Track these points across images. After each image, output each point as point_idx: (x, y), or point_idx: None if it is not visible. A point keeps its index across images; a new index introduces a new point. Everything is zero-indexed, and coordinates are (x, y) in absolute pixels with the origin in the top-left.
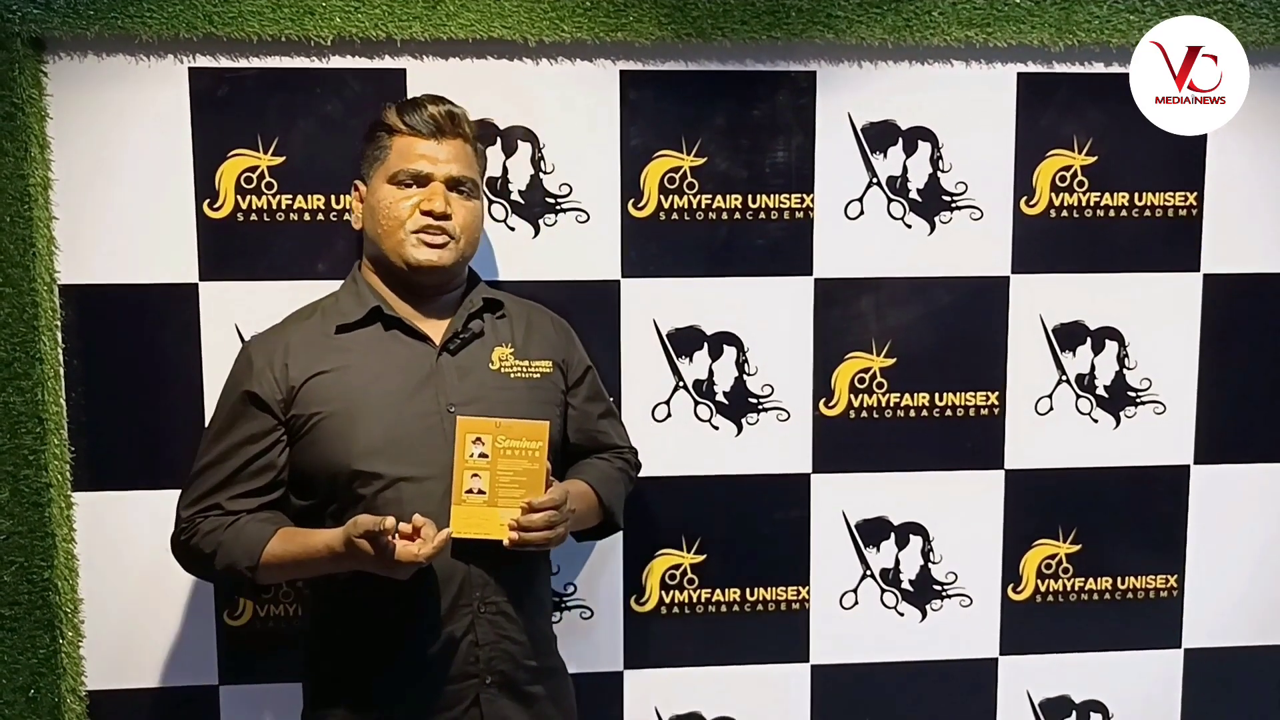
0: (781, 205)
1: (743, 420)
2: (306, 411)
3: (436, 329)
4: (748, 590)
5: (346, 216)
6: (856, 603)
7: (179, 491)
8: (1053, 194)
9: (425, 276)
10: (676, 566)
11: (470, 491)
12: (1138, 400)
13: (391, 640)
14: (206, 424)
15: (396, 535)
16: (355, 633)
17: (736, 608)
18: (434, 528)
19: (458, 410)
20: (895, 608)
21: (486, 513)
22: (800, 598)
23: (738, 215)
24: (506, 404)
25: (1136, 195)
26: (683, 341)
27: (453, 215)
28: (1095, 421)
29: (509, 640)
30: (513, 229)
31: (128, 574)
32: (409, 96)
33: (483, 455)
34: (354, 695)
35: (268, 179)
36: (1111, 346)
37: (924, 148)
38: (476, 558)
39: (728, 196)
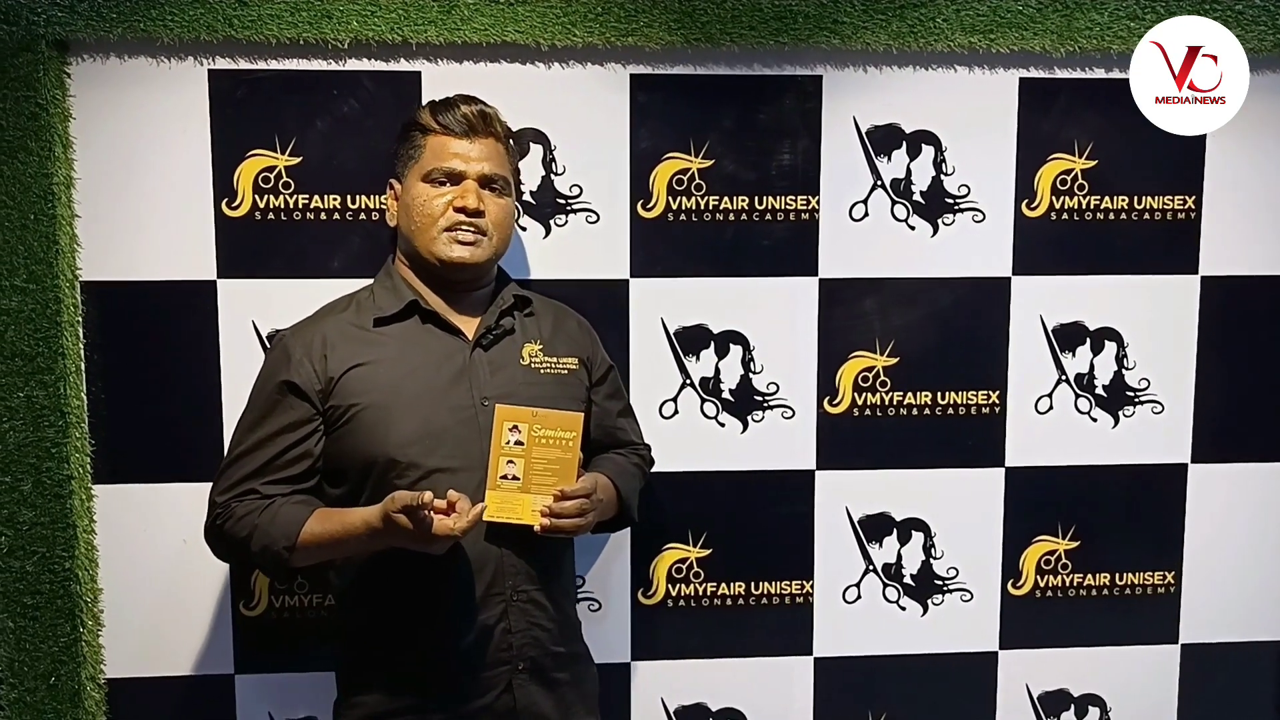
0: (787, 207)
1: (748, 417)
2: (345, 402)
3: (469, 324)
4: (752, 584)
5: (374, 216)
6: (859, 597)
7: (199, 484)
8: (1053, 197)
9: (458, 273)
10: (683, 560)
11: (505, 478)
12: (1136, 400)
13: (427, 627)
14: (240, 415)
15: (432, 510)
16: (390, 621)
17: (741, 601)
18: (469, 502)
19: (491, 404)
20: (897, 602)
21: (520, 498)
22: (804, 591)
23: (744, 216)
24: (536, 399)
25: (1136, 198)
26: (690, 340)
27: (485, 212)
28: (1094, 420)
29: (539, 627)
30: (524, 229)
31: (146, 565)
32: (442, 97)
33: (518, 443)
34: (388, 682)
35: (285, 178)
36: (1110, 347)
37: (927, 151)
38: (509, 545)
39: (735, 198)
